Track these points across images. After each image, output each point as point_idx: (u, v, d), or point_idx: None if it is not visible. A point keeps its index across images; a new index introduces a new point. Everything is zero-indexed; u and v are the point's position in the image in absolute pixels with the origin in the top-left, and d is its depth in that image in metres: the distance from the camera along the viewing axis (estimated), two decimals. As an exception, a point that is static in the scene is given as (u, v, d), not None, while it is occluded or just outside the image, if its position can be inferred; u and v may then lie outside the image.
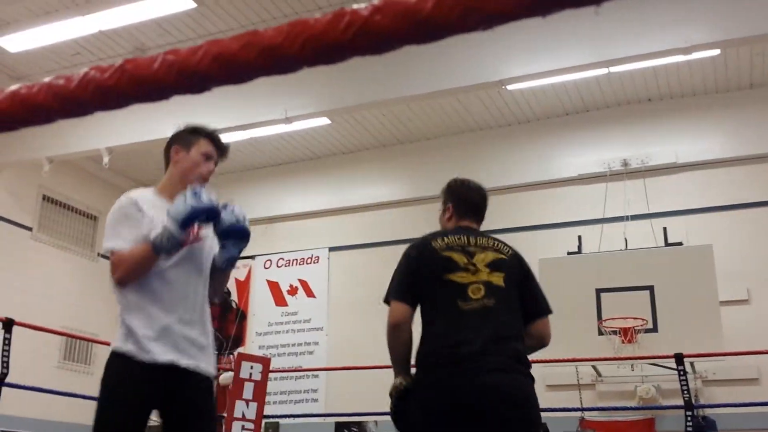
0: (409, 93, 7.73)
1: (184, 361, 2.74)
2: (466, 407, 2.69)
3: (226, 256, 2.89)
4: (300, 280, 10.25)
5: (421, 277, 2.94)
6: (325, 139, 9.96)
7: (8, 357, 5.49)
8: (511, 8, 0.68)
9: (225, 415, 5.94)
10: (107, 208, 9.56)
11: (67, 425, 8.38)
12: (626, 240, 8.42)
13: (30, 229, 9.65)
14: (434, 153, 9.88)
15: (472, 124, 9.58)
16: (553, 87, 8.55)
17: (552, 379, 7.90)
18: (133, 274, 2.72)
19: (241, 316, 10.38)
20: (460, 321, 2.83)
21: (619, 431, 7.86)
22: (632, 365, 7.78)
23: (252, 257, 10.39)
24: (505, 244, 3.15)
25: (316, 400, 9.53)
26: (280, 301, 10.30)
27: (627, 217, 8.56)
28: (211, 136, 2.97)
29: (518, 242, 10.01)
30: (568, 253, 8.50)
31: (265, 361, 6.30)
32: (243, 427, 5.89)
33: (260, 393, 6.08)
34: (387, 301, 2.94)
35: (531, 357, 3.02)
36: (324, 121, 9.02)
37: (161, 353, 2.70)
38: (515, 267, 3.07)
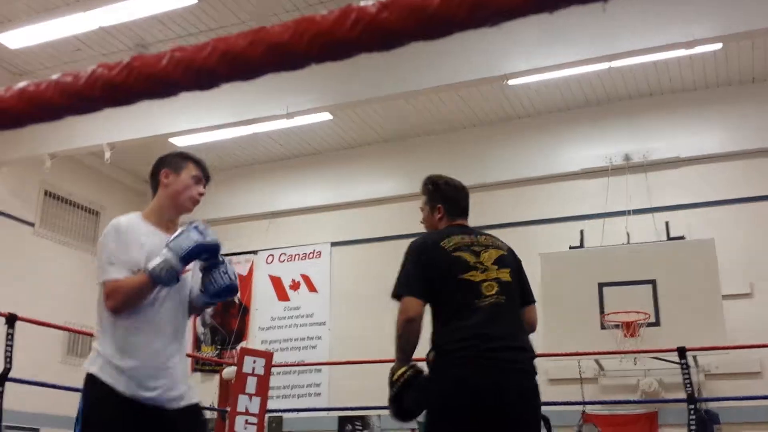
0: (411, 88, 7.73)
1: (171, 402, 2.72)
2: (488, 402, 2.79)
3: (205, 301, 2.94)
4: (302, 275, 10.27)
5: (434, 275, 3.01)
6: (327, 135, 9.96)
7: (11, 352, 5.51)
8: (519, 4, 0.69)
9: (228, 409, 5.96)
10: (109, 203, 9.52)
11: (70, 419, 8.40)
12: (628, 234, 8.42)
13: (32, 224, 9.66)
14: (436, 148, 9.88)
15: (474, 119, 9.58)
16: (554, 82, 8.55)
17: (554, 373, 7.92)
18: (130, 303, 2.70)
19: (244, 311, 10.39)
20: (477, 318, 2.92)
21: (621, 425, 7.87)
22: (635, 359, 7.79)
23: (254, 252, 10.40)
24: (499, 240, 3.26)
25: (319, 395, 9.55)
26: (282, 296, 10.32)
27: (629, 211, 8.57)
28: (199, 161, 3.00)
29: (520, 237, 10.03)
30: (570, 248, 8.51)
31: (267, 356, 6.31)
32: (246, 422, 5.90)
33: (263, 387, 6.09)
34: (398, 296, 3.01)
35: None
36: (326, 116, 9.02)
37: (148, 390, 2.68)
38: (513, 261, 3.20)
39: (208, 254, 2.77)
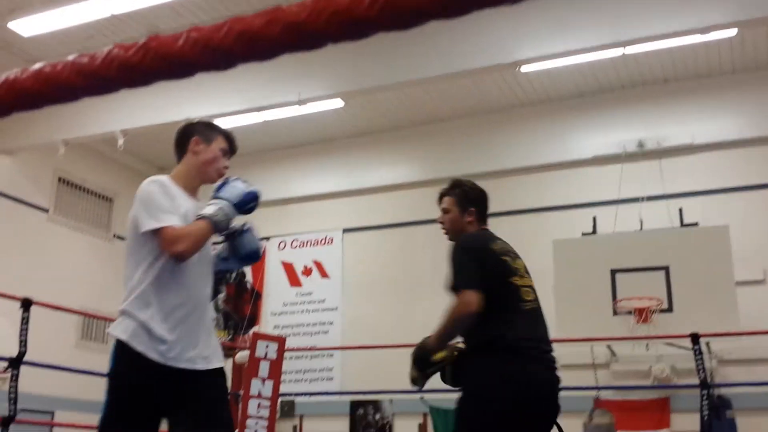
0: (424, 75, 7.70)
1: (198, 363, 2.75)
2: (531, 395, 3.05)
3: (225, 268, 3.04)
4: (314, 261, 10.29)
5: (488, 275, 3.16)
6: (339, 121, 9.95)
7: (26, 336, 5.57)
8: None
9: (241, 393, 6.00)
10: (122, 190, 9.58)
11: (84, 403, 8.48)
12: (641, 221, 8.39)
13: (46, 210, 9.72)
14: (448, 135, 9.86)
15: (487, 106, 9.54)
16: (567, 68, 8.49)
17: (567, 358, 7.85)
18: (195, 248, 2.74)
19: (256, 296, 10.43)
20: (523, 320, 3.16)
21: (633, 411, 7.87)
22: (647, 345, 7.78)
23: (267, 238, 10.43)
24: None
25: (331, 379, 9.60)
26: (294, 281, 10.35)
27: (642, 198, 8.53)
28: (228, 135, 3.06)
29: (533, 223, 10.00)
30: (583, 234, 8.49)
31: (280, 340, 6.34)
32: (259, 405, 5.94)
33: (276, 371, 6.13)
34: (458, 288, 3.10)
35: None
36: (338, 103, 9.01)
37: (178, 356, 2.71)
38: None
39: (254, 203, 2.91)
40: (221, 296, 10.33)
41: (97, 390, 7.32)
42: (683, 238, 7.93)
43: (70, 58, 0.91)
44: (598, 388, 7.71)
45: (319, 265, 10.27)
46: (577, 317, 7.44)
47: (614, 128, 9.07)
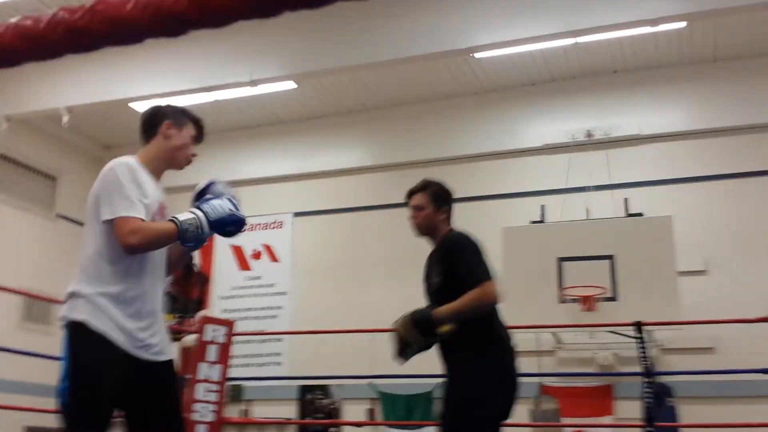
0: (377, 59, 7.67)
1: (157, 355, 2.68)
2: (516, 389, 3.38)
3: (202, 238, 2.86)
4: (264, 245, 10.21)
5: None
6: (291, 104, 9.88)
7: (-34, 317, 5.43)
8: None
9: (189, 376, 5.94)
10: (67, 168, 9.35)
11: (24, 385, 8.31)
12: (588, 210, 8.52)
13: (-13, 188, 9.47)
14: (400, 120, 9.87)
15: (440, 92, 9.57)
16: (520, 56, 8.56)
17: (513, 345, 8.00)
18: (151, 246, 2.65)
19: (203, 279, 10.31)
20: (500, 316, 3.52)
21: (577, 397, 8.01)
22: (590, 333, 7.91)
23: (215, 221, 10.30)
24: None
25: (279, 364, 9.55)
26: (243, 265, 10.26)
27: (589, 187, 8.65)
28: (198, 123, 2.98)
29: (483, 210, 10.06)
30: (531, 222, 8.57)
31: (229, 324, 6.29)
32: (207, 389, 5.89)
33: (224, 356, 6.07)
34: (480, 280, 3.32)
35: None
36: (290, 84, 8.93)
37: (139, 344, 2.63)
38: None
39: (234, 228, 2.77)
40: (168, 279, 10.20)
41: (39, 372, 7.17)
42: (628, 228, 8.06)
43: (13, 20, 0.86)
44: (543, 375, 7.82)
45: (269, 249, 10.19)
46: (524, 304, 7.51)
47: (564, 117, 9.17)
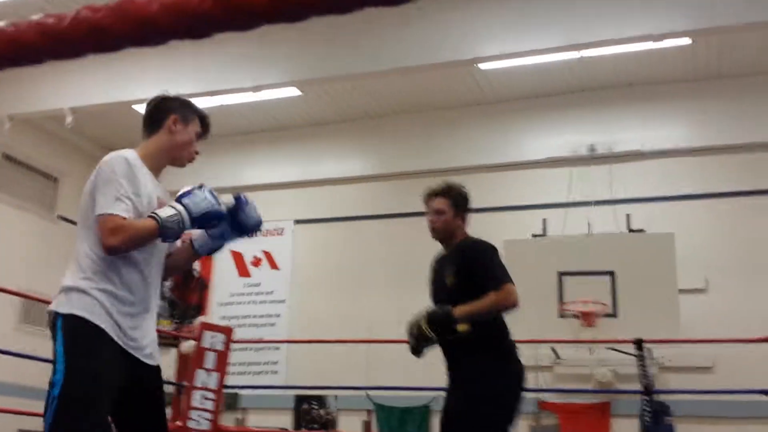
0: (382, 67, 7.68)
1: (147, 358, 2.62)
2: (523, 391, 3.47)
3: (214, 246, 2.81)
4: (264, 252, 10.18)
5: None
6: (295, 110, 9.87)
7: (-37, 317, 5.39)
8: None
9: (185, 383, 5.90)
10: (69, 169, 9.31)
11: (21, 388, 8.26)
12: (590, 225, 8.50)
13: (-12, 188, 9.44)
14: (403, 129, 9.85)
15: (443, 102, 9.56)
16: (525, 68, 8.55)
17: (511, 359, 7.96)
18: (133, 246, 2.54)
19: (203, 285, 10.27)
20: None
21: (575, 414, 7.96)
22: (590, 349, 7.87)
23: (215, 227, 10.27)
24: None
25: (276, 372, 9.51)
26: (243, 271, 10.23)
27: (591, 202, 8.63)
28: (205, 119, 2.86)
29: (484, 223, 10.02)
30: (533, 236, 8.55)
31: (227, 331, 6.25)
32: (204, 397, 5.85)
33: (222, 363, 6.03)
34: (502, 283, 3.40)
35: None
36: (294, 91, 8.93)
37: (134, 344, 2.56)
38: None
39: (216, 221, 2.68)
40: (168, 284, 10.16)
41: (36, 375, 7.13)
42: (629, 244, 8.04)
43: (35, 17, 0.84)
44: (542, 391, 7.78)
45: (269, 256, 10.16)
46: (522, 318, 7.46)
47: (567, 131, 9.16)
